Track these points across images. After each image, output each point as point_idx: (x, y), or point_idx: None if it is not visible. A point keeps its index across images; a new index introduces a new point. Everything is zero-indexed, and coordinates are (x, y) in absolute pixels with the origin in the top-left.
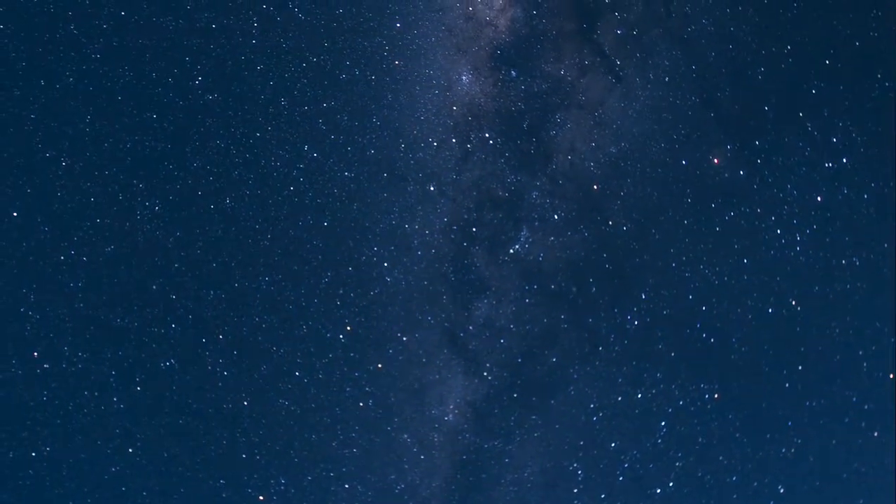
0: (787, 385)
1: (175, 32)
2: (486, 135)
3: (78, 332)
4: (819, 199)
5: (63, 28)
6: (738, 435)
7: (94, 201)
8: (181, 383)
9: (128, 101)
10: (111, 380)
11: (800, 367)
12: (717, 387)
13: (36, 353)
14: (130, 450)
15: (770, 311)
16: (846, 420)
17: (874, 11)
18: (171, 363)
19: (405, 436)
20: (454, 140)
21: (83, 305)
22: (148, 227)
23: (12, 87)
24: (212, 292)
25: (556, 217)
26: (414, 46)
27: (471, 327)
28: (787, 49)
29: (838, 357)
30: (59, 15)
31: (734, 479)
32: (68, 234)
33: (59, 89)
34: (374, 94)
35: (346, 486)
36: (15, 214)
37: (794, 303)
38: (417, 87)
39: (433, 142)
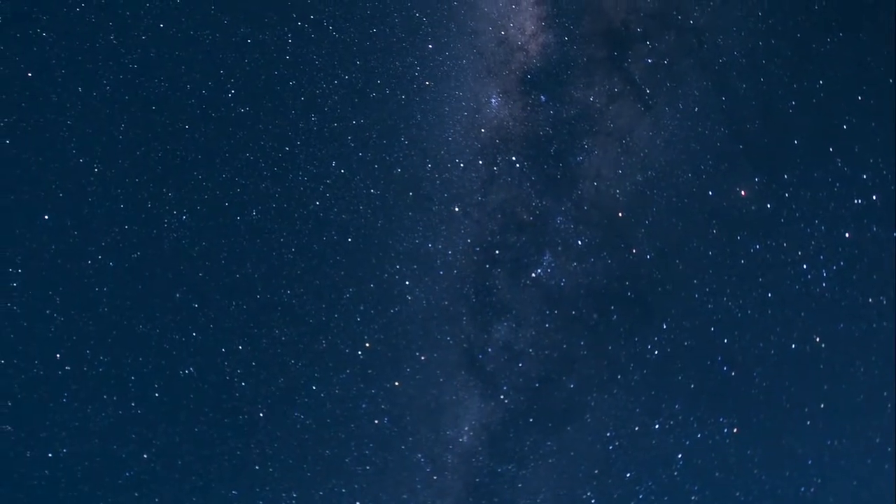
0: (808, 423)
1: (211, 46)
2: (513, 158)
3: (100, 336)
4: (847, 235)
5: (103, 38)
6: (756, 471)
7: (124, 208)
8: (199, 391)
9: (161, 110)
10: (130, 385)
11: (822, 405)
12: (736, 421)
13: (58, 355)
14: (145, 455)
15: (793, 346)
16: (868, 461)
17: None
18: (189, 371)
19: (419, 455)
20: (481, 162)
21: (107, 310)
22: (174, 235)
23: (50, 92)
24: (233, 303)
25: (579, 243)
26: (445, 68)
27: (489, 349)
28: (819, 84)
29: (861, 396)
30: (100, 25)
31: None
32: (96, 239)
33: (96, 97)
34: (404, 114)
35: (358, 503)
36: (46, 217)
37: (818, 339)
38: (446, 108)
39: (460, 163)
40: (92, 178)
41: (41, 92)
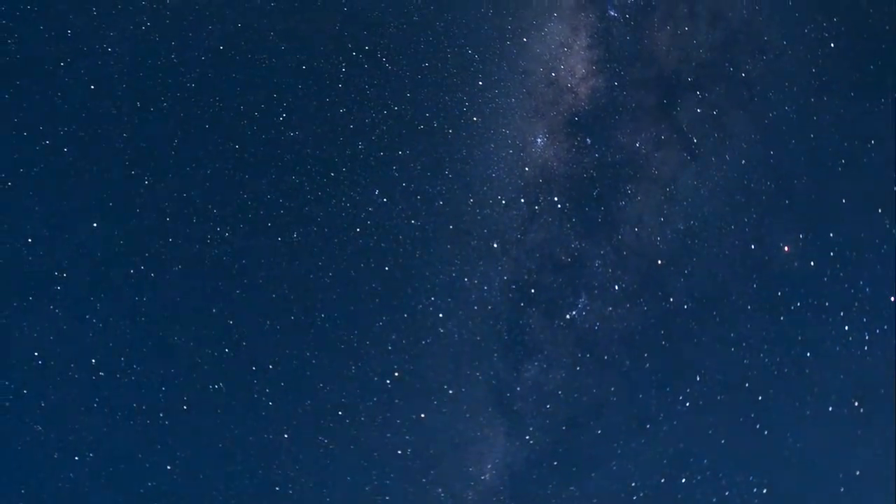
0: (842, 489)
1: (267, 70)
2: (555, 198)
3: (135, 344)
4: (892, 299)
5: (164, 57)
6: None
7: (169, 221)
8: (226, 408)
9: (214, 130)
10: (160, 395)
11: (857, 473)
12: (766, 481)
13: (93, 360)
14: (168, 467)
15: (830, 409)
16: None
17: None
18: (219, 386)
19: (439, 490)
20: (522, 200)
21: (144, 319)
22: (216, 251)
23: (111, 106)
24: (267, 322)
25: (616, 288)
26: (493, 105)
27: (518, 388)
28: (871, 144)
29: None
30: (163, 44)
31: None
32: (140, 250)
33: (153, 112)
34: (449, 148)
35: None
36: (95, 225)
37: (856, 404)
38: (492, 145)
39: (501, 200)
40: (142, 191)
41: (102, 104)
